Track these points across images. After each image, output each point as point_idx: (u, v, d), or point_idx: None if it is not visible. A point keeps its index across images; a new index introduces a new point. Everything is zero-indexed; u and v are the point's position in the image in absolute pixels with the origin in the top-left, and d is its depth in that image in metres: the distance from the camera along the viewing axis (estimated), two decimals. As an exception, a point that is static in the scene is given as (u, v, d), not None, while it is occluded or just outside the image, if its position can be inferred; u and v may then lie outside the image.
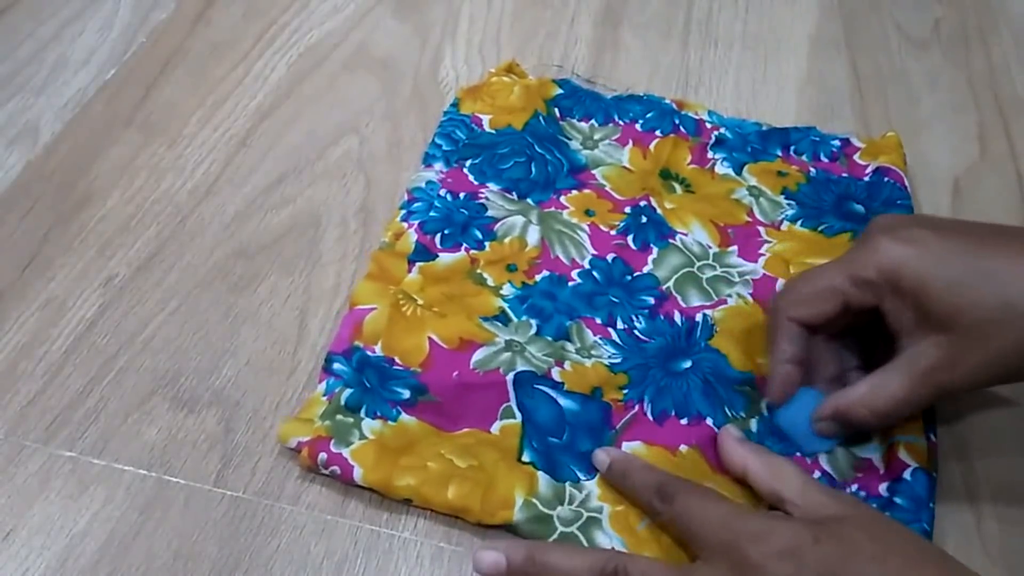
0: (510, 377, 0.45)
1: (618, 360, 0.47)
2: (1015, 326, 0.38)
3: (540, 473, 0.42)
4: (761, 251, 0.52)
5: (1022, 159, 0.60)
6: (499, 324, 0.47)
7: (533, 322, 0.48)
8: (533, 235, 0.52)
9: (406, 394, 0.44)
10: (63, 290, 0.50)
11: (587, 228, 0.53)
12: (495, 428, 0.44)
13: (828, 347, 0.45)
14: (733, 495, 0.41)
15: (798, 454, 0.43)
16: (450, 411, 0.44)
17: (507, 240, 0.51)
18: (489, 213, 0.53)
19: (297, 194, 0.55)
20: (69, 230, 0.53)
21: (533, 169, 0.55)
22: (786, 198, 0.55)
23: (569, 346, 0.47)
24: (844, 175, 0.57)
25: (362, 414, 0.44)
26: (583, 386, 0.45)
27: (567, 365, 0.46)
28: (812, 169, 0.57)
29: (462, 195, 0.54)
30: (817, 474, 0.42)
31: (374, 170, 0.57)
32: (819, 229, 0.53)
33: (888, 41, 0.70)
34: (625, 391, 0.45)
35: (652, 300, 0.49)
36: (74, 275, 0.50)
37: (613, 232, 0.53)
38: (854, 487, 0.42)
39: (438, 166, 0.55)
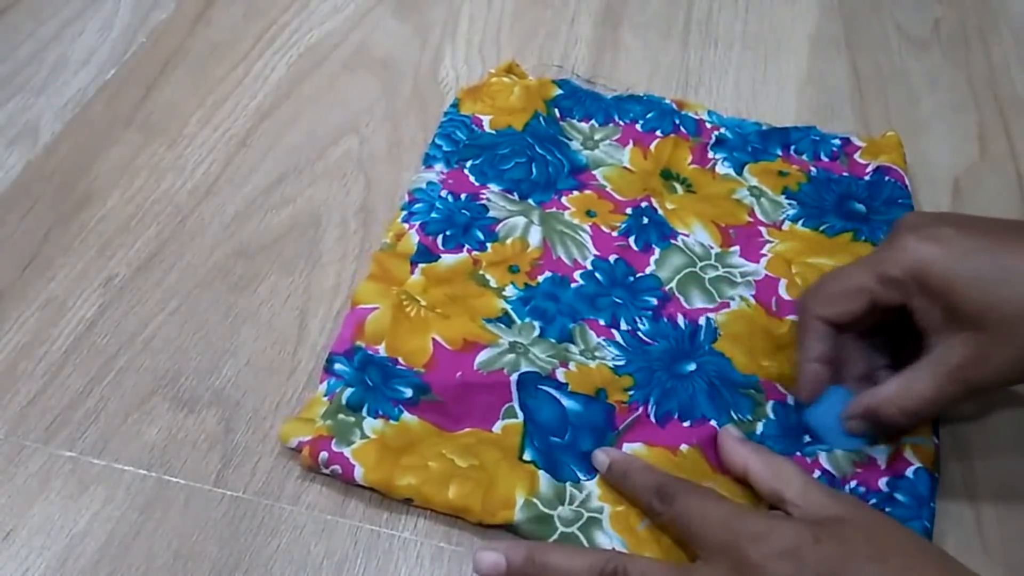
0: (514, 378, 0.45)
1: (622, 362, 0.47)
2: None
3: (541, 473, 0.42)
4: (763, 251, 0.52)
5: (1022, 159, 0.60)
6: (502, 326, 0.47)
7: (536, 324, 0.48)
8: (535, 236, 0.52)
9: (408, 393, 0.44)
10: (63, 290, 0.50)
11: (589, 229, 0.53)
12: (497, 427, 0.44)
13: (857, 346, 0.44)
14: (733, 495, 0.41)
15: (798, 453, 0.43)
16: (453, 410, 0.44)
17: (509, 241, 0.51)
18: (490, 214, 0.53)
19: (297, 194, 0.55)
20: (69, 230, 0.53)
21: (534, 170, 0.55)
22: (787, 198, 0.55)
23: (573, 348, 0.47)
24: (845, 174, 0.57)
25: (364, 413, 0.44)
26: (587, 387, 0.45)
27: (571, 366, 0.46)
28: (813, 169, 0.57)
29: (463, 196, 0.54)
30: (817, 473, 0.42)
31: (374, 170, 0.57)
32: (820, 229, 0.53)
33: (888, 41, 0.70)
34: (631, 393, 0.45)
35: (655, 301, 0.49)
36: (74, 275, 0.50)
37: (615, 233, 0.52)
38: (853, 483, 0.42)
39: (439, 167, 0.55)
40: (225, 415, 0.45)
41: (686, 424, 0.44)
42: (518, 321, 0.48)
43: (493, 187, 0.54)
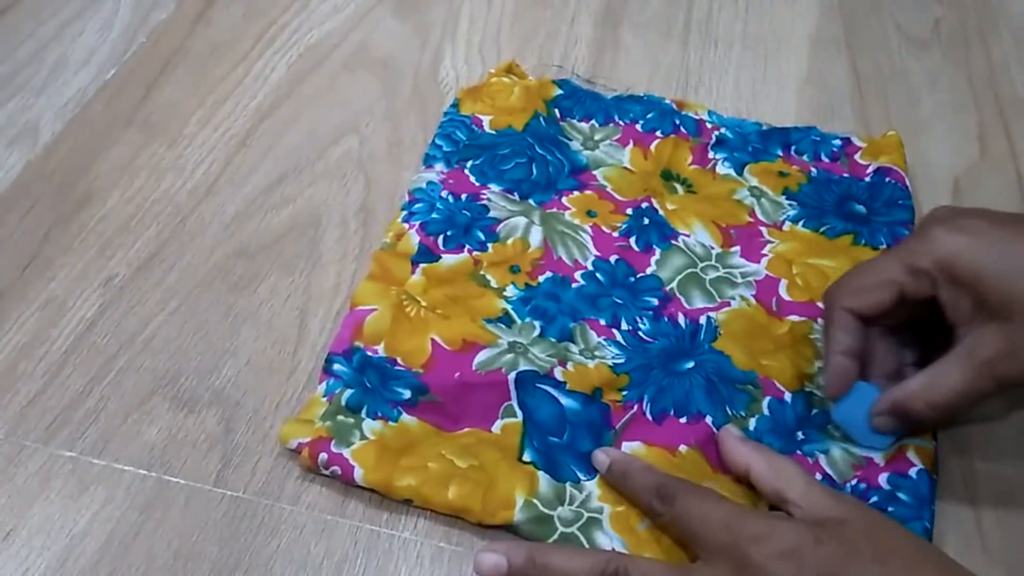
0: (512, 376, 0.45)
1: (621, 361, 0.47)
2: None
3: (541, 473, 0.42)
4: (763, 251, 0.52)
5: (1022, 159, 0.60)
6: (502, 326, 0.47)
7: (537, 324, 0.48)
8: (536, 236, 0.52)
9: (407, 394, 0.44)
10: (63, 290, 0.50)
11: (589, 229, 0.53)
12: (496, 427, 0.44)
13: (885, 342, 0.44)
14: (733, 495, 0.41)
15: (798, 453, 0.43)
16: (451, 411, 0.44)
17: (510, 241, 0.51)
18: (491, 214, 0.53)
19: (297, 194, 0.55)
20: (69, 230, 0.53)
21: (534, 170, 0.55)
22: (787, 198, 0.55)
23: (573, 347, 0.47)
24: (845, 175, 0.56)
25: (363, 414, 0.44)
26: (584, 386, 0.45)
27: (569, 365, 0.46)
28: (813, 169, 0.57)
29: (464, 196, 0.54)
30: (818, 476, 0.42)
31: (374, 170, 0.57)
32: (821, 230, 0.53)
33: (888, 41, 0.70)
34: (624, 392, 0.45)
35: (656, 301, 0.49)
36: (74, 275, 0.50)
37: (615, 233, 0.52)
38: (854, 481, 0.42)
39: (439, 167, 0.55)
40: (225, 415, 0.45)
41: (682, 420, 0.44)
42: (518, 321, 0.48)
43: (494, 187, 0.54)
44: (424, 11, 0.70)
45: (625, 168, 0.57)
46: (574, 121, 0.60)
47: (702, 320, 0.49)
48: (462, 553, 0.41)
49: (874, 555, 0.35)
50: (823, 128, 0.60)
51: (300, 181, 0.56)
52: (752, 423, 0.44)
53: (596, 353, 0.47)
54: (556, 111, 0.60)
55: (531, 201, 0.54)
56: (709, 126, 0.59)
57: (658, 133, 0.59)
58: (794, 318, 0.49)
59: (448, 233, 0.51)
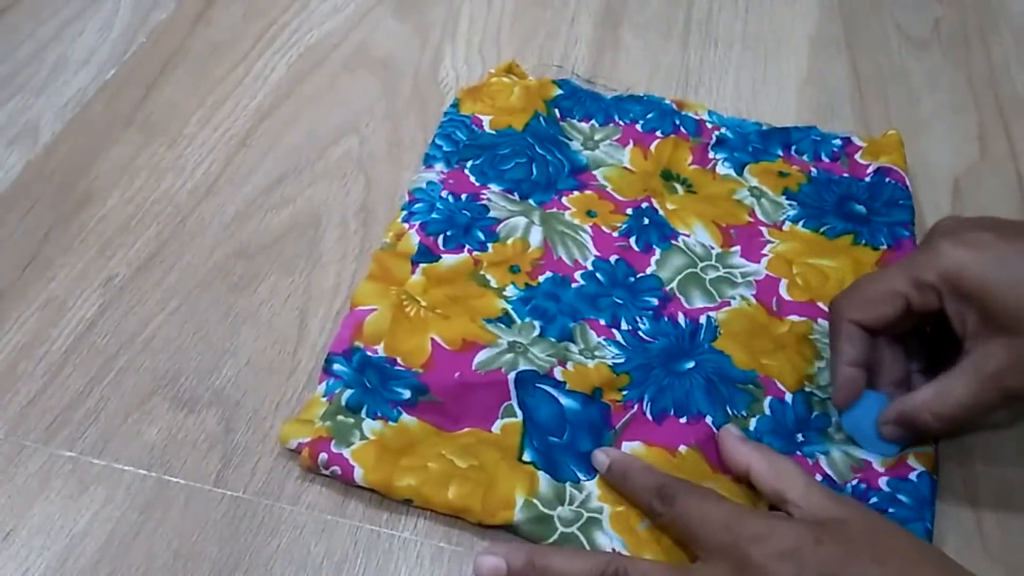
0: (512, 376, 0.45)
1: (621, 361, 0.47)
2: None
3: (540, 473, 0.42)
4: (764, 251, 0.52)
5: (1022, 159, 0.60)
6: (502, 326, 0.47)
7: (537, 324, 0.48)
8: (536, 236, 0.52)
9: (407, 394, 0.44)
10: (63, 290, 0.50)
11: (589, 229, 0.53)
12: (496, 427, 0.44)
13: (893, 349, 0.44)
14: (733, 495, 0.41)
15: (798, 453, 0.43)
16: (451, 411, 0.44)
17: (510, 241, 0.51)
18: (491, 214, 0.53)
19: (297, 194, 0.55)
20: (69, 230, 0.53)
21: (534, 170, 0.55)
22: (787, 198, 0.55)
23: (572, 347, 0.47)
24: (845, 175, 0.56)
25: (363, 414, 0.44)
26: (584, 386, 0.45)
27: (569, 365, 0.46)
28: (813, 169, 0.57)
29: (464, 196, 0.54)
30: (819, 477, 0.42)
31: (374, 170, 0.57)
32: (821, 230, 0.53)
33: (888, 41, 0.70)
34: (624, 392, 0.45)
35: (656, 301, 0.49)
36: (74, 275, 0.50)
37: (615, 234, 0.52)
38: (854, 481, 0.42)
39: (439, 167, 0.55)
40: (225, 415, 0.45)
41: (683, 420, 0.44)
42: (518, 321, 0.48)
43: (493, 187, 0.54)
44: (424, 11, 0.70)
45: (625, 168, 0.57)
46: (574, 121, 0.60)
47: (702, 320, 0.49)
48: (462, 553, 0.41)
49: (874, 555, 0.35)
50: (823, 128, 0.60)
51: (300, 181, 0.56)
52: (753, 423, 0.44)
53: (596, 353, 0.47)
54: (556, 111, 0.60)
55: (531, 201, 0.54)
56: (709, 126, 0.59)
57: (658, 133, 0.59)
58: (794, 318, 0.49)
59: (448, 233, 0.51)
